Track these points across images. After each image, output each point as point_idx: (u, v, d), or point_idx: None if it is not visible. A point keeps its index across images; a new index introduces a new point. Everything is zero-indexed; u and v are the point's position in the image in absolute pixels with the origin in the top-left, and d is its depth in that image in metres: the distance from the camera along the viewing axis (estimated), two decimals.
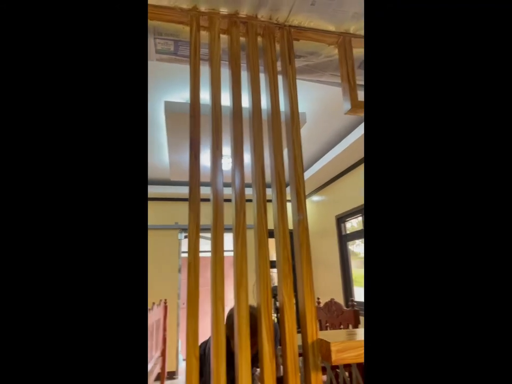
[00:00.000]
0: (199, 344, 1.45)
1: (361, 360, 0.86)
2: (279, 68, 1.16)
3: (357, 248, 3.80)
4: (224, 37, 1.13)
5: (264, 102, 1.13)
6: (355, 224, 3.73)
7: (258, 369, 1.04)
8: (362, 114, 1.18)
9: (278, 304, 1.17)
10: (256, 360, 0.94)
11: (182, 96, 2.39)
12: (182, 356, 4.42)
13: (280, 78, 1.14)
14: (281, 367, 0.93)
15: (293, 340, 0.90)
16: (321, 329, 2.39)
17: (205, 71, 1.10)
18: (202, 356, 1.42)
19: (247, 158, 1.07)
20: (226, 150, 2.87)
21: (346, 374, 1.57)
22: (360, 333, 0.99)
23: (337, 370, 1.57)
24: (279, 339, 0.95)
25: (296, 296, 0.94)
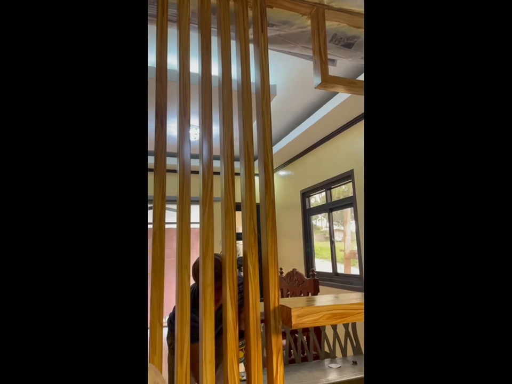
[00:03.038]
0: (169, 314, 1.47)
1: (319, 324, 0.92)
2: (250, 36, 1.13)
3: (319, 222, 3.94)
4: None
5: (235, 71, 1.10)
6: (318, 199, 3.84)
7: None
8: (332, 90, 1.19)
9: (242, 274, 1.20)
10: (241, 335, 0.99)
11: (148, 59, 2.26)
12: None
13: (251, 46, 1.10)
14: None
15: (256, 307, 0.94)
16: (282, 297, 2.50)
17: (172, 32, 1.04)
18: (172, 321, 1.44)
19: (215, 129, 1.05)
20: (194, 121, 2.79)
21: (304, 338, 1.67)
22: (318, 299, 1.05)
23: (296, 335, 1.66)
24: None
25: (260, 267, 0.97)
